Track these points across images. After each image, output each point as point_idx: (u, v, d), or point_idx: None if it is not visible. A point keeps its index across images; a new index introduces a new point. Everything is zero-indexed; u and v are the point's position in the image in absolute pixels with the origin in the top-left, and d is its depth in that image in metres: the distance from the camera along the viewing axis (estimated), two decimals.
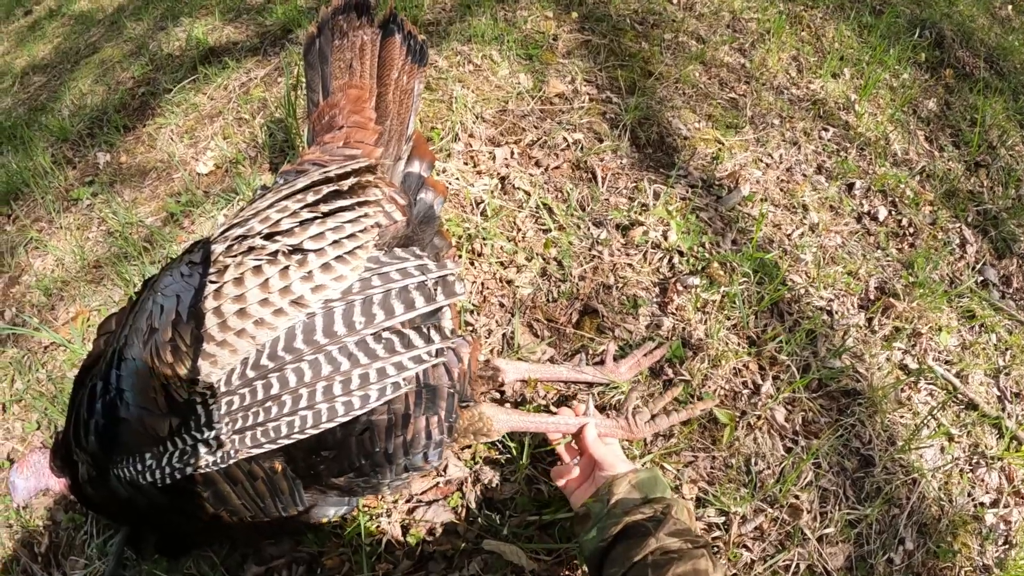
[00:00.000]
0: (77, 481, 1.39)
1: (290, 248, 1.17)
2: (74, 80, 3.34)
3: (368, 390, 1.13)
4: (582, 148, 2.05)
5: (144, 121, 2.80)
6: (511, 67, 2.30)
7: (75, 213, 2.54)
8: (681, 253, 1.84)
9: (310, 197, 1.23)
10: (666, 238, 1.85)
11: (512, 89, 2.22)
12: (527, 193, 1.90)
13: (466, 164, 2.00)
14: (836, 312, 1.89)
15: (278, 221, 1.19)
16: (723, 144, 2.14)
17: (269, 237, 1.18)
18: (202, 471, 1.17)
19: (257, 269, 1.15)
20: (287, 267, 1.15)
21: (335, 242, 1.18)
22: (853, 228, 2.10)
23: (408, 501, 1.54)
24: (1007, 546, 1.61)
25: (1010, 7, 3.31)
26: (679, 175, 2.00)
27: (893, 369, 1.84)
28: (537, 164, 2.00)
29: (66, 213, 2.55)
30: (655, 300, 1.76)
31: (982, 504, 1.67)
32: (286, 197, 1.24)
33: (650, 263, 1.81)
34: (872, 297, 1.96)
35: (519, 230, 1.84)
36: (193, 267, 1.21)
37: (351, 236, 1.20)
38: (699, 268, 1.82)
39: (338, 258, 1.17)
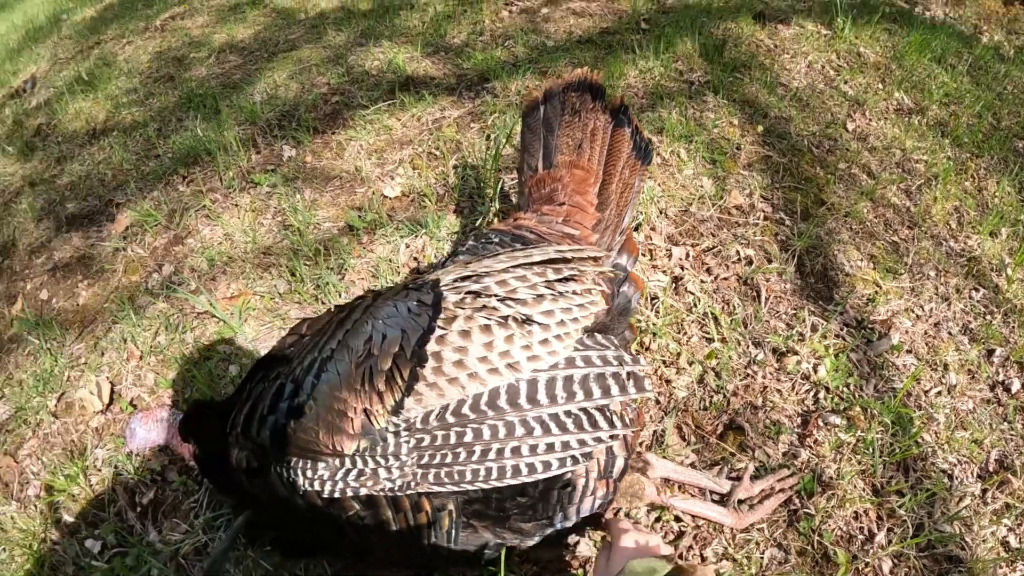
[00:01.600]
0: (205, 455, 1.42)
1: (523, 317, 1.21)
2: (270, 70, 3.37)
3: (550, 458, 1.16)
4: (751, 264, 2.08)
5: (334, 129, 2.82)
6: (695, 168, 2.35)
7: (253, 196, 2.54)
8: (827, 389, 1.86)
9: (550, 274, 1.27)
10: (816, 372, 1.88)
11: (695, 191, 2.26)
12: (697, 299, 1.95)
13: (643, 256, 2.06)
14: (956, 477, 1.88)
15: (515, 288, 1.23)
16: (880, 288, 2.14)
17: (503, 300, 1.22)
18: (371, 493, 1.18)
19: (486, 328, 1.18)
20: (512, 334, 1.18)
21: (560, 321, 1.22)
22: (986, 395, 2.07)
23: (536, 564, 1.60)
24: None
25: None
26: (837, 311, 2.01)
27: (996, 544, 1.82)
28: (709, 271, 2.05)
29: (243, 193, 2.56)
30: (796, 430, 1.79)
31: None
32: (524, 266, 1.28)
33: (797, 393, 1.84)
34: (991, 469, 1.93)
35: (685, 333, 1.89)
36: (423, 308, 1.23)
37: (573, 319, 1.24)
38: (841, 408, 1.84)
39: (556, 336, 1.21)
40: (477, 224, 2.22)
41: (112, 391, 2.04)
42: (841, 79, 2.99)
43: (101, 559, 1.70)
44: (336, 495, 1.18)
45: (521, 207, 1.64)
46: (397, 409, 1.16)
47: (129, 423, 1.57)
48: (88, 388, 2.04)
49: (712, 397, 1.80)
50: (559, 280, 1.28)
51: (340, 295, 2.08)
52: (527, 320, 1.21)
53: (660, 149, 2.42)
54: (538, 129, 1.63)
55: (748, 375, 1.84)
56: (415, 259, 2.16)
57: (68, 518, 1.80)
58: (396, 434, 1.16)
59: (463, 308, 1.21)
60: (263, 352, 1.96)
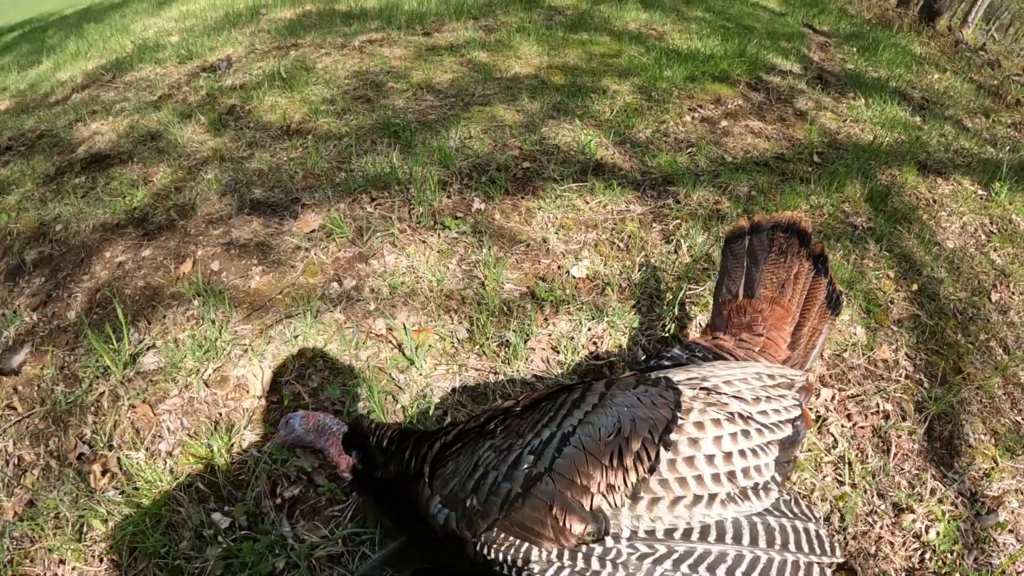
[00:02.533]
0: (366, 471, 1.43)
1: (747, 414, 1.32)
2: (465, 120, 3.41)
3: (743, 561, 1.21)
4: (888, 419, 2.25)
5: (524, 194, 2.86)
6: (852, 315, 2.52)
7: (440, 237, 2.56)
8: (934, 551, 2.02)
9: (767, 380, 1.43)
10: (927, 532, 2.04)
11: (849, 338, 2.44)
12: (836, 441, 2.15)
13: None
14: None
15: (740, 389, 1.38)
16: (997, 464, 2.27)
17: (732, 397, 1.34)
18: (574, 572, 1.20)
19: (717, 422, 1.29)
20: (736, 432, 1.29)
21: (768, 427, 1.34)
22: None
23: None
24: None
25: None
26: (955, 480, 2.17)
27: None
28: (849, 417, 2.23)
29: (431, 232, 2.58)
30: None
31: None
32: (742, 380, 1.42)
33: (906, 549, 2.01)
34: None
35: (821, 471, 2.09)
36: (664, 402, 1.31)
37: (778, 425, 1.36)
38: (942, 571, 2.00)
39: (763, 448, 1.31)
40: (655, 327, 2.42)
41: (273, 380, 2.06)
42: (991, 246, 3.08)
43: (226, 536, 1.71)
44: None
45: (718, 327, 1.77)
46: (635, 492, 1.20)
47: (289, 417, 1.50)
48: (251, 370, 2.03)
49: (834, 536, 1.99)
50: (772, 386, 1.43)
51: (524, 360, 2.23)
52: (749, 417, 1.32)
53: None
54: (742, 257, 1.74)
55: (868, 523, 2.03)
56: (594, 343, 2.33)
57: (200, 485, 1.81)
58: (616, 537, 1.19)
59: (696, 400, 1.33)
60: (438, 392, 2.10)
